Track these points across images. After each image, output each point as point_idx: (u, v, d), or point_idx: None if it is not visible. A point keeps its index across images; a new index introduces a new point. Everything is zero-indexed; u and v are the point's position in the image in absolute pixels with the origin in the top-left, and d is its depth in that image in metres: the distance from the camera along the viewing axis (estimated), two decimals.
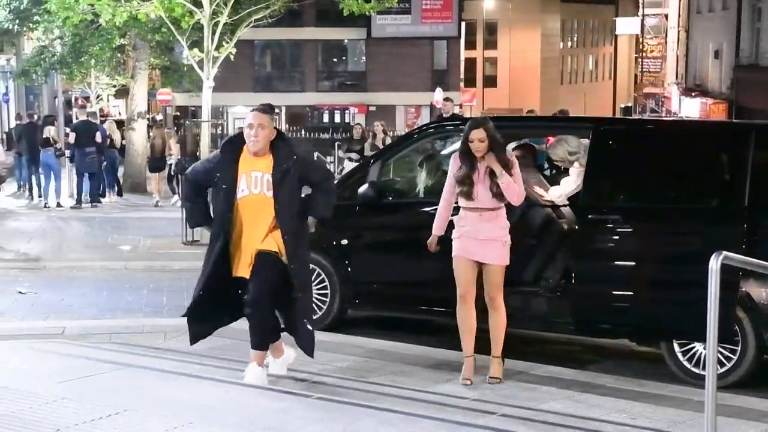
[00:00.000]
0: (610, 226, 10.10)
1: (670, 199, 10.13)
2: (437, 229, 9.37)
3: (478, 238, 8.97)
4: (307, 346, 8.31)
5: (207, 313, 8.56)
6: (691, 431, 7.41)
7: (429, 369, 9.13)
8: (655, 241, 9.95)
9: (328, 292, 11.30)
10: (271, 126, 8.32)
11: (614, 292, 10.04)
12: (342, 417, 7.34)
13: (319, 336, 10.39)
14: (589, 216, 10.06)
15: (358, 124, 31.97)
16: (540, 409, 8.00)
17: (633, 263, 10.01)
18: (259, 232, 8.19)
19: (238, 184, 8.19)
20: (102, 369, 8.61)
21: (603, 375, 9.55)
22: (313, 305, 9.19)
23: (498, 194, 8.95)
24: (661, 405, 8.30)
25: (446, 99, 25.74)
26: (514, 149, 10.67)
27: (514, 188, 8.93)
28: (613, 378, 9.38)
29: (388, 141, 23.62)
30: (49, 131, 27.24)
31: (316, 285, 11.25)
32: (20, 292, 13.52)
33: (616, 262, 10.13)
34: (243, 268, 8.19)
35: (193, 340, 8.52)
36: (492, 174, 8.96)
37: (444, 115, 19.67)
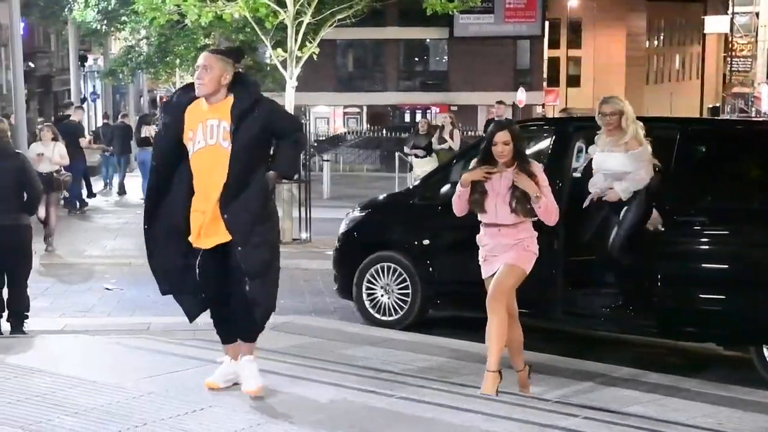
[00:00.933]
0: (697, 228, 9.99)
1: (758, 200, 10.02)
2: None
3: (501, 255, 8.25)
4: (244, 336, 7.08)
5: (186, 283, 7.24)
6: None
7: (508, 370, 8.98)
8: (743, 243, 9.83)
9: (410, 291, 11.33)
10: (224, 68, 6.73)
11: (701, 296, 9.92)
12: (424, 417, 7.31)
13: (401, 336, 10.45)
14: (675, 217, 9.91)
15: (424, 119, 31.80)
16: (623, 412, 7.88)
17: (721, 266, 9.90)
18: (215, 192, 6.64)
19: (190, 135, 6.71)
20: (187, 365, 8.62)
21: (688, 379, 9.34)
22: (272, 294, 6.95)
23: (517, 210, 8.12)
24: (749, 411, 8.17)
25: (499, 102, 25.61)
26: None
27: (551, 209, 8.17)
28: (698, 382, 9.21)
29: (457, 134, 23.40)
30: (149, 131, 27.55)
31: (397, 284, 11.31)
32: (107, 288, 13.71)
33: (703, 265, 10.01)
34: (202, 239, 6.78)
35: (190, 317, 7.48)
36: (514, 187, 8.12)
37: (496, 119, 19.32)
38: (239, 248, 6.50)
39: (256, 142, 6.63)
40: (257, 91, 6.84)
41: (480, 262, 8.48)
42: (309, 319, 10.97)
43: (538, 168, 8.27)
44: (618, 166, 9.04)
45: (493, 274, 8.27)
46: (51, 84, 52.64)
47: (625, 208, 9.66)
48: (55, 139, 16.96)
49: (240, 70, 7.32)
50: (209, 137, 6.51)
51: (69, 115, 26.97)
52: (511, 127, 8.42)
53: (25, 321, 10.59)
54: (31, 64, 40.16)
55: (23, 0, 25.59)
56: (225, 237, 6.63)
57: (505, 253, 8.22)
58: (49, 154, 15.65)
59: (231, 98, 6.64)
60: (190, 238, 6.72)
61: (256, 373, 6.85)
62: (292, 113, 21.01)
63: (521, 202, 8.01)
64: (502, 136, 8.13)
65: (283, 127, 6.86)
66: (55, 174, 15.57)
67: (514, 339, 8.41)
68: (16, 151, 11.25)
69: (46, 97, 52.53)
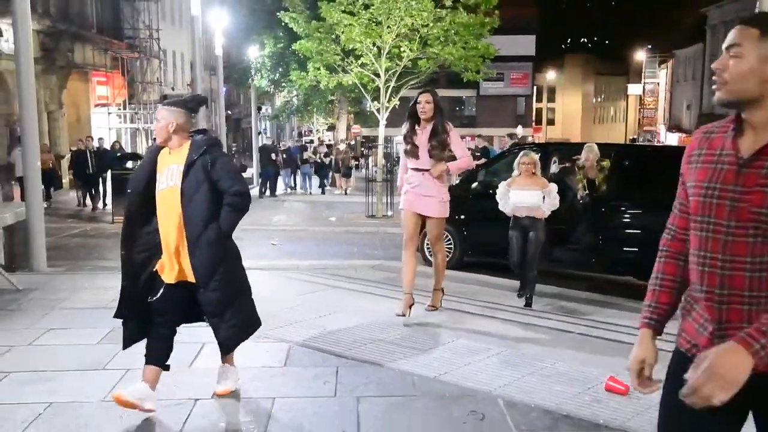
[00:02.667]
0: (623, 209, 10.07)
1: (658, 192, 9.92)
2: (399, 184, 7.76)
3: (421, 194, 7.19)
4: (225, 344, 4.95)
5: (141, 310, 4.82)
6: None
7: (511, 291, 9.03)
8: (649, 218, 9.70)
9: (452, 246, 11.39)
10: (170, 117, 4.78)
11: (625, 248, 9.92)
12: (465, 316, 7.38)
13: (448, 272, 10.49)
14: (611, 202, 10.01)
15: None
16: (588, 317, 7.89)
17: (636, 231, 9.91)
18: (173, 232, 4.71)
19: (158, 177, 4.81)
20: (319, 288, 8.73)
21: (628, 299, 9.22)
22: (240, 318, 4.89)
23: (434, 156, 7.08)
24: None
25: (509, 135, 25.34)
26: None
27: (466, 163, 7.40)
28: (624, 299, 9.09)
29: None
30: (308, 153, 28.36)
31: (445, 242, 11.40)
32: (273, 244, 13.89)
33: (626, 230, 10.06)
34: (167, 272, 4.73)
35: (125, 344, 4.90)
36: (431, 137, 7.08)
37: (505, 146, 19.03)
38: (201, 289, 4.67)
39: (205, 186, 4.65)
40: (212, 140, 4.86)
41: (401, 193, 7.49)
42: (393, 262, 11.08)
43: (450, 126, 7.19)
44: (535, 198, 8.31)
45: (409, 209, 7.26)
46: (240, 124, 53.25)
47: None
48: None
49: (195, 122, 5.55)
50: (170, 179, 4.72)
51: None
52: (432, 91, 7.36)
53: None
54: (229, 112, 40.67)
55: (225, 73, 25.97)
56: (187, 276, 4.73)
57: (429, 202, 7.18)
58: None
59: (188, 144, 4.77)
60: (157, 268, 4.75)
61: (229, 378, 5.07)
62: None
63: (437, 149, 7.04)
64: (425, 97, 7.13)
65: (223, 183, 4.68)
66: None
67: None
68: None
69: (237, 132, 53.20)
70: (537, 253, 8.43)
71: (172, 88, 36.82)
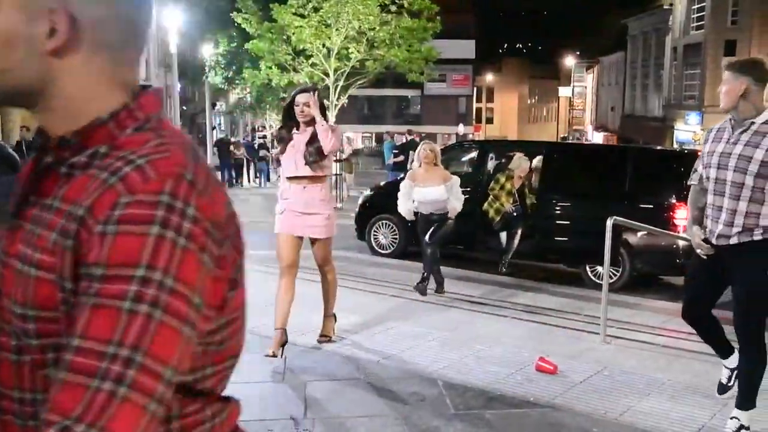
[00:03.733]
0: (554, 202, 10.00)
1: (585, 185, 10.03)
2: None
3: (301, 212, 5.49)
4: None
5: None
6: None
7: (452, 278, 8.98)
8: (577, 210, 9.80)
9: (397, 237, 11.34)
10: None
11: (556, 238, 9.94)
12: (401, 302, 7.38)
13: (391, 261, 10.41)
14: (544, 195, 10.02)
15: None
16: (510, 301, 7.90)
17: (566, 222, 9.92)
18: None
19: None
20: (270, 278, 8.40)
21: (555, 285, 9.30)
22: None
23: (311, 163, 5.31)
24: (583, 300, 8.11)
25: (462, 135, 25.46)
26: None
27: (329, 136, 5.26)
28: (555, 285, 9.12)
29: (348, 149, 20.72)
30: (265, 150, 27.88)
31: (390, 232, 11.35)
32: None
33: (557, 221, 9.97)
34: None
35: None
36: (309, 142, 5.33)
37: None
38: None
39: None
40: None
41: (277, 213, 5.77)
42: (344, 252, 11.02)
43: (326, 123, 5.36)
44: (439, 194, 7.57)
45: (288, 233, 5.67)
46: (195, 119, 52.46)
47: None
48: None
49: None
50: None
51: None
52: (314, 89, 5.64)
53: None
54: (184, 108, 39.96)
55: (179, 70, 25.51)
56: None
57: (313, 221, 5.54)
58: None
59: None
60: None
61: None
62: None
63: (314, 155, 5.29)
64: (303, 98, 5.39)
65: None
66: None
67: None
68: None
69: (192, 127, 52.40)
70: (445, 235, 7.91)
71: None
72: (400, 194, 8.02)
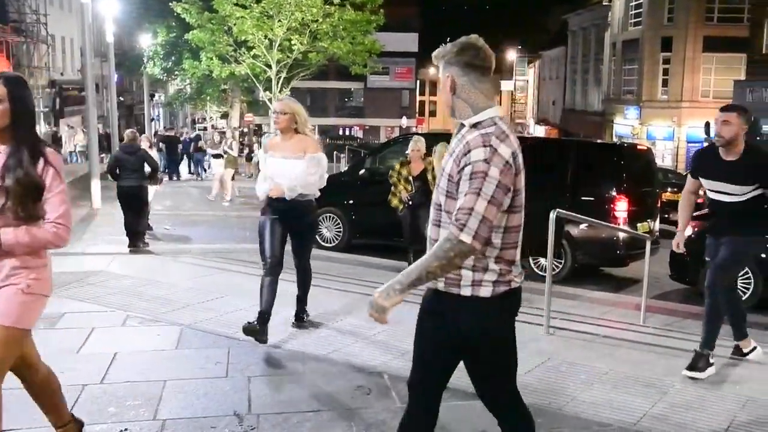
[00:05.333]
0: None
1: (531, 181, 10.10)
2: None
3: None
4: None
5: None
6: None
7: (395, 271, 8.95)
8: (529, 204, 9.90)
9: (342, 230, 11.31)
10: None
11: None
12: (349, 294, 7.36)
13: (337, 255, 10.35)
14: None
15: (223, 134, 31.34)
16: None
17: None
18: None
19: None
20: (211, 272, 8.52)
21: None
22: None
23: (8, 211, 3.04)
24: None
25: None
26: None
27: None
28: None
29: (235, 145, 20.73)
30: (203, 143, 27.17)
31: (335, 225, 11.30)
32: (166, 229, 13.47)
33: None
34: None
35: None
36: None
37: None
38: None
39: None
40: None
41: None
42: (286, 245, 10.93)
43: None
44: (297, 170, 5.53)
45: None
46: (133, 110, 51.41)
47: None
48: (151, 146, 15.29)
49: None
50: None
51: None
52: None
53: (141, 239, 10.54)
54: (122, 98, 39.10)
55: (117, 60, 24.91)
56: None
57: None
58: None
59: None
60: None
61: None
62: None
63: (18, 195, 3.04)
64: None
65: None
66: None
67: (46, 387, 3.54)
68: (140, 147, 11.12)
69: (130, 118, 51.37)
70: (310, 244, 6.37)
71: (62, 74, 35.05)
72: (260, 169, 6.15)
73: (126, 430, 4.02)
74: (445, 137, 12.46)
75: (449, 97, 2.82)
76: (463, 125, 2.79)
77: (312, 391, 4.67)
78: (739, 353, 5.58)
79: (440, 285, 2.82)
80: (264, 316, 5.53)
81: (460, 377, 4.95)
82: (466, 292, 2.76)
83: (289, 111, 5.57)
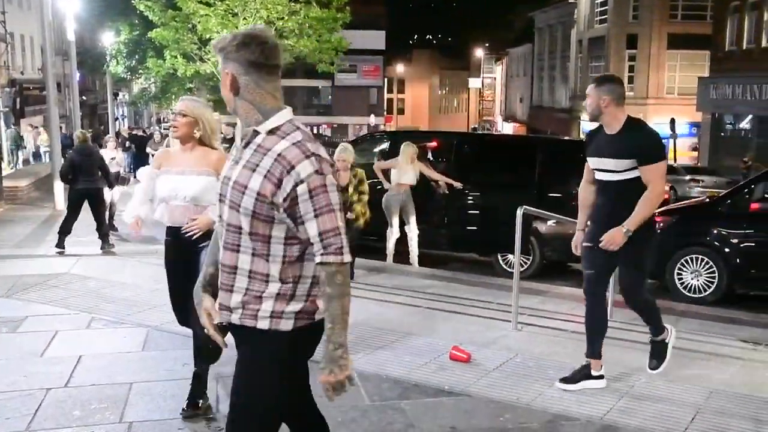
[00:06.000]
0: (466, 192, 10.05)
1: (496, 176, 10.11)
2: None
3: None
4: None
5: None
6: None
7: (364, 270, 8.96)
8: (488, 200, 9.92)
9: None
10: None
11: (467, 227, 10.05)
12: None
13: None
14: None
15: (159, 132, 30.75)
16: (424, 290, 7.98)
17: (477, 211, 10.02)
18: None
19: None
20: None
21: (465, 273, 9.34)
22: None
23: None
24: (492, 288, 8.16)
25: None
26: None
27: None
28: (469, 275, 9.14)
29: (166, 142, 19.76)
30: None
31: None
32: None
33: (469, 211, 10.05)
34: None
35: None
36: None
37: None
38: None
39: None
40: None
41: None
42: None
43: None
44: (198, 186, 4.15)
45: None
46: (97, 110, 50.76)
47: None
48: (116, 147, 14.67)
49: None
50: None
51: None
52: None
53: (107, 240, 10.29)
54: (84, 98, 38.58)
55: (78, 59, 24.59)
56: None
57: None
58: (118, 159, 13.97)
59: None
60: None
61: None
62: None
63: None
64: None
65: None
66: (121, 173, 13.93)
67: None
68: (95, 149, 10.88)
69: (94, 118, 50.71)
70: None
71: (22, 73, 34.47)
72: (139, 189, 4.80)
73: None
74: (414, 136, 12.46)
75: (230, 97, 2.48)
76: (256, 132, 2.43)
77: None
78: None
79: (235, 317, 2.47)
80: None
81: (428, 375, 4.99)
82: (263, 324, 2.42)
83: (190, 114, 4.18)
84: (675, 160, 31.63)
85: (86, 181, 10.32)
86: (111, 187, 11.22)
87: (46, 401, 4.41)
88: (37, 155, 30.39)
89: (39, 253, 9.63)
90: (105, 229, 10.42)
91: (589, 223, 4.89)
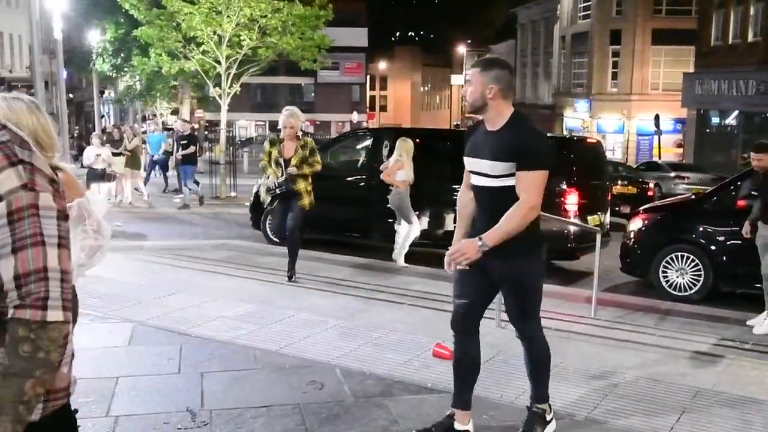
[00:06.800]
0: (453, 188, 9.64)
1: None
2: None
3: None
4: None
5: None
6: None
7: (348, 266, 9.02)
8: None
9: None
10: None
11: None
12: (302, 295, 7.34)
13: (286, 250, 10.32)
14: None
15: (117, 130, 29.95)
16: (407, 288, 7.98)
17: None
18: None
19: None
20: (165, 269, 8.48)
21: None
22: None
23: None
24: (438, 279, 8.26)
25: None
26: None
27: None
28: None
29: (135, 140, 17.62)
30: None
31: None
32: (117, 225, 13.20)
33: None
34: None
35: None
36: None
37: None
38: None
39: None
40: None
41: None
42: (236, 241, 10.86)
43: None
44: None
45: None
46: (83, 107, 50.43)
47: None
48: (103, 144, 14.26)
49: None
50: None
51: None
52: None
53: None
54: (71, 96, 38.33)
55: (65, 57, 24.40)
56: None
57: None
58: (104, 155, 13.74)
59: None
60: None
61: None
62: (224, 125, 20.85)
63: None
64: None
65: None
66: (107, 169, 13.69)
67: None
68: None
69: (80, 116, 50.42)
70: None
71: (10, 71, 34.26)
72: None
73: (78, 426, 3.96)
74: (406, 132, 12.31)
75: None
76: None
77: (264, 386, 4.67)
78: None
79: None
80: None
81: (411, 372, 5.00)
82: None
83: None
84: (660, 156, 31.65)
85: None
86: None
87: None
88: None
89: None
90: None
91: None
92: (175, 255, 9.46)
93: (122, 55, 30.82)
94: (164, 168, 20.21)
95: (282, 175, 7.49)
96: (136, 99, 36.96)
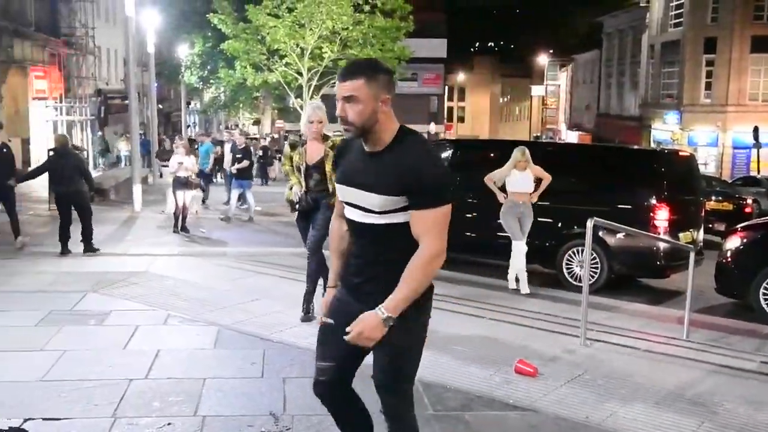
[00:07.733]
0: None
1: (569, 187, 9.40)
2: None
3: None
4: None
5: None
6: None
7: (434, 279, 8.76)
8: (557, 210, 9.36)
9: None
10: None
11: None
12: None
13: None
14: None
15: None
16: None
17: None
18: None
19: None
20: (247, 275, 8.62)
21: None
22: None
23: None
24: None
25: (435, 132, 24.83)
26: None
27: None
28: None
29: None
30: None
31: None
32: (202, 231, 13.51)
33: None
34: None
35: None
36: None
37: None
38: None
39: None
40: None
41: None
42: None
43: None
44: None
45: None
46: (171, 117, 52.13)
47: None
48: (188, 153, 13.96)
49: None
50: None
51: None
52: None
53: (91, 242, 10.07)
54: (161, 106, 39.67)
55: (156, 69, 25.34)
56: None
57: None
58: (187, 164, 13.98)
59: None
60: None
61: None
62: None
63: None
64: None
65: None
66: (190, 178, 13.92)
67: None
68: (75, 151, 10.76)
69: (168, 125, 52.11)
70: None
71: (107, 83, 35.76)
72: None
73: (170, 424, 4.11)
74: (473, 145, 12.14)
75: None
76: None
77: None
78: None
79: None
80: None
81: (493, 387, 4.92)
82: None
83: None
84: (759, 171, 29.92)
85: (61, 185, 10.16)
86: (92, 190, 10.79)
87: (129, 391, 4.59)
88: (118, 158, 31.84)
89: (118, 252, 10.21)
90: (87, 232, 10.15)
91: (339, 283, 3.04)
92: (258, 262, 9.62)
93: (209, 67, 31.79)
94: (208, 180, 19.90)
95: (303, 187, 6.19)
96: (221, 110, 38.00)
